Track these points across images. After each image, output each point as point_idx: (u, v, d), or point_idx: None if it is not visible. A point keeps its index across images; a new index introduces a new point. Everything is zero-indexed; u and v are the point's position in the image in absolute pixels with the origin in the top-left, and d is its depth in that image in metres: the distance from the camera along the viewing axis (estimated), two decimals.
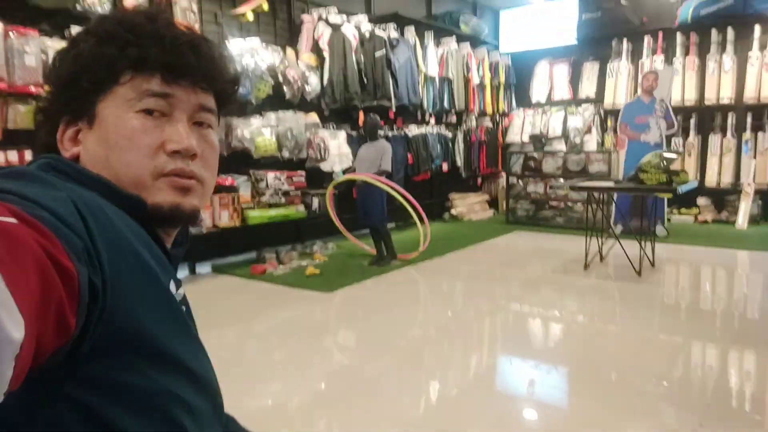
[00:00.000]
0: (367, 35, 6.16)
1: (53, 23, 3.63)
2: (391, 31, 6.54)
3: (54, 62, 0.71)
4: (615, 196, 5.60)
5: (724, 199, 7.32)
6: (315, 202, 5.52)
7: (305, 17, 5.76)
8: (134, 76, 0.68)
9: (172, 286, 0.63)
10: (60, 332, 0.45)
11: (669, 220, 6.99)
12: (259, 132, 5.08)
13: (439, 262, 5.32)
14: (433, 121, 7.56)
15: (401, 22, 6.85)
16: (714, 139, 7.32)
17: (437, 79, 7.34)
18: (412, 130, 7.10)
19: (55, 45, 3.59)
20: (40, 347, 0.42)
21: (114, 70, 0.67)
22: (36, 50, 3.51)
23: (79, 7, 3.67)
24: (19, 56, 3.44)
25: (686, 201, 7.26)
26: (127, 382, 0.55)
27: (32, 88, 3.48)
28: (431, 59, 7.19)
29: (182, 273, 4.80)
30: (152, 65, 0.68)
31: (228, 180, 4.89)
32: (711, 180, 7.29)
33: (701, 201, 7.41)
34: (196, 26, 4.56)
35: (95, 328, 0.50)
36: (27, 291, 0.40)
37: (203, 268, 4.97)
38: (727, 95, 7.15)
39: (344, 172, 5.58)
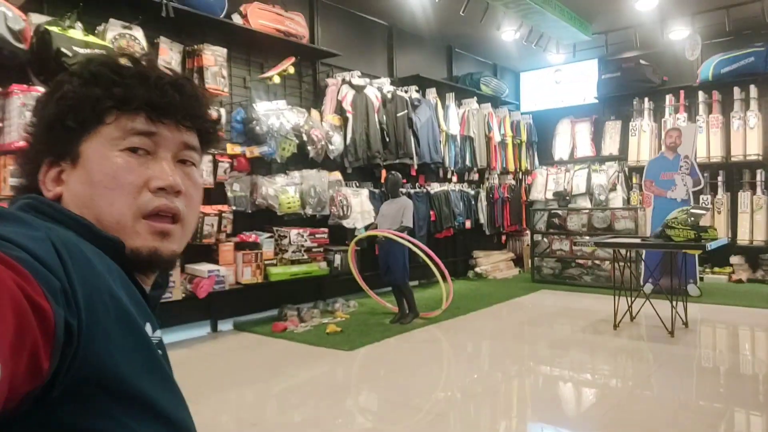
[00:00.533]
0: (390, 96, 6.33)
1: None
2: (412, 92, 6.71)
3: (37, 104, 0.72)
4: (643, 253, 5.46)
5: (758, 257, 7.09)
6: (337, 259, 5.51)
7: (329, 80, 5.95)
8: (119, 116, 0.68)
9: (149, 329, 0.62)
10: (32, 375, 0.44)
11: (701, 279, 6.78)
12: (284, 189, 5.16)
13: (463, 321, 5.20)
14: (455, 178, 7.60)
15: (423, 83, 7.04)
16: (743, 196, 7.18)
17: (459, 138, 7.43)
18: (434, 188, 7.14)
19: None
20: (12, 391, 0.41)
21: (99, 109, 0.68)
22: None
23: None
24: None
25: (719, 260, 7.05)
26: (100, 428, 0.53)
27: None
28: (453, 118, 7.32)
29: (203, 330, 4.76)
30: (137, 104, 0.68)
31: (252, 237, 4.93)
32: (743, 238, 7.09)
33: (734, 260, 7.18)
34: (225, 90, 4.74)
35: (68, 371, 0.49)
36: (2, 332, 0.39)
37: (225, 325, 4.93)
38: (754, 152, 7.06)
39: (366, 228, 5.60)
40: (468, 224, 7.60)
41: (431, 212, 6.98)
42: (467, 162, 7.62)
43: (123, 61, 0.71)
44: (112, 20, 3.93)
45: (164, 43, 4.43)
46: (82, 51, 3.56)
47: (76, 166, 0.69)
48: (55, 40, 3.42)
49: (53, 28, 3.45)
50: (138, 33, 4.12)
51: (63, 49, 3.41)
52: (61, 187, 0.69)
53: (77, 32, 3.63)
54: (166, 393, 0.62)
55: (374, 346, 4.34)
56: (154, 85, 0.70)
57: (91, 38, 3.70)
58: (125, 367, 0.56)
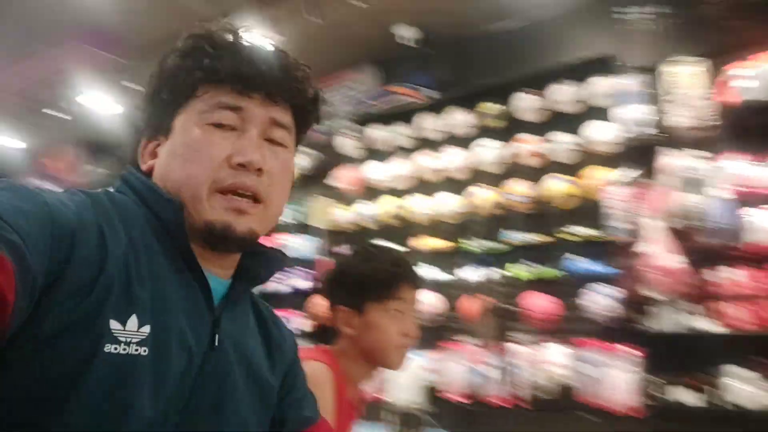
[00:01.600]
0: None
1: None
2: None
3: (149, 81, 0.74)
4: None
5: None
6: None
7: None
8: (208, 88, 0.68)
9: (132, 323, 0.56)
10: None
11: None
12: None
13: None
14: None
15: None
16: None
17: None
18: None
19: None
20: None
21: (191, 82, 0.68)
22: None
23: None
24: None
25: None
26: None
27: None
28: None
29: None
30: (224, 75, 0.67)
31: None
32: None
33: None
34: None
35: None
36: None
37: None
38: None
39: None
40: None
41: None
42: None
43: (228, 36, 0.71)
44: None
45: None
46: None
47: (168, 139, 0.69)
48: None
49: None
50: None
51: None
52: (154, 160, 0.70)
53: None
54: (79, 409, 0.53)
55: None
56: (245, 56, 0.68)
57: None
58: (50, 365, 0.52)
